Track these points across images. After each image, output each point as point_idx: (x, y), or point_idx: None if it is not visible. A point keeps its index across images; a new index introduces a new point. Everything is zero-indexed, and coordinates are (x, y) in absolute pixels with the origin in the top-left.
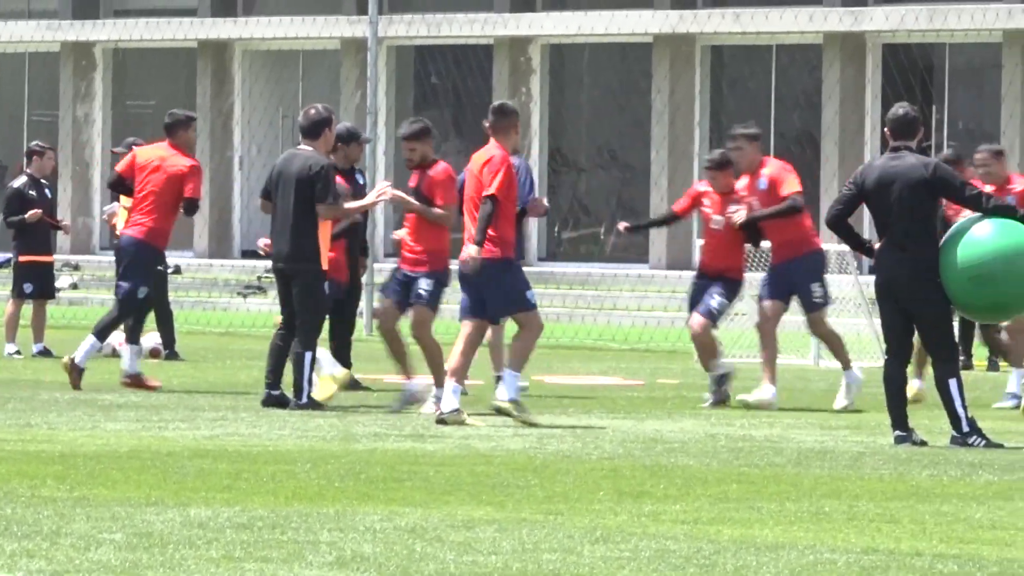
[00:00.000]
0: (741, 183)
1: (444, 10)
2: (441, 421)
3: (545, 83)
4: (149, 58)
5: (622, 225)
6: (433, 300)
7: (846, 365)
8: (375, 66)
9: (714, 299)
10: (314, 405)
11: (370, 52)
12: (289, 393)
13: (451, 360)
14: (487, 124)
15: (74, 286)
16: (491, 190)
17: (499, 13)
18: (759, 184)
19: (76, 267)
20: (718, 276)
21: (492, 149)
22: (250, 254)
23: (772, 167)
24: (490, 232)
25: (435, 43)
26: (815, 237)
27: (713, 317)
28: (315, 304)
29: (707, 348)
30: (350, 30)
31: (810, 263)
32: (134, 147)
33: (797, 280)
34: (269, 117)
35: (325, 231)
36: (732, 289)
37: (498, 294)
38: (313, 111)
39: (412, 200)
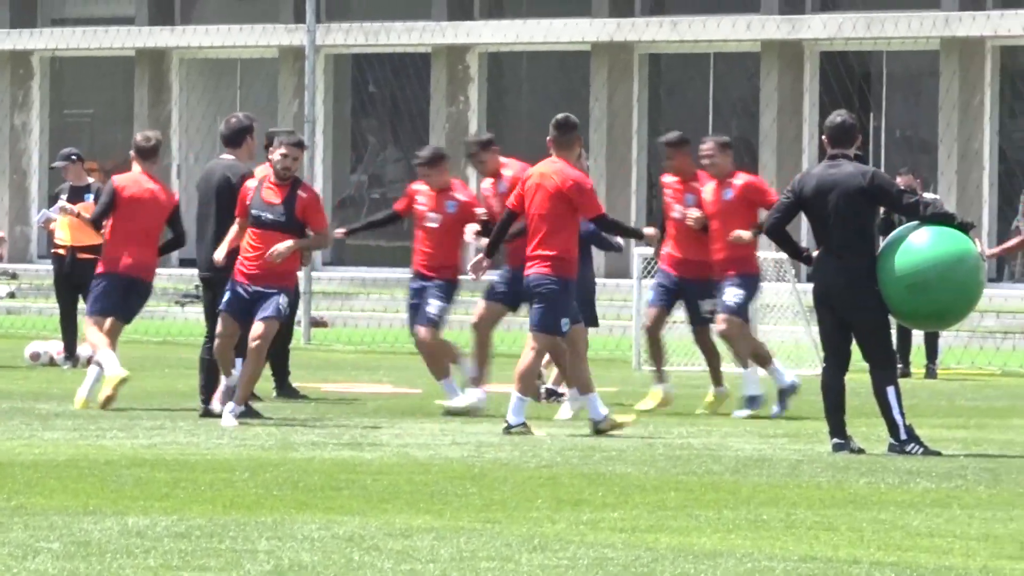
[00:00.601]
0: (708, 188)
1: (382, 18)
2: (599, 432)
3: (483, 91)
4: (87, 66)
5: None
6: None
7: (718, 382)
8: (313, 74)
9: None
10: (251, 413)
11: (308, 60)
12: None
13: (573, 371)
14: (549, 139)
15: (11, 295)
16: (600, 210)
17: (437, 21)
18: (725, 194)
19: (14, 276)
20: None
21: (566, 168)
22: (188, 263)
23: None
24: (558, 254)
25: (373, 51)
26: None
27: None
28: None
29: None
30: (288, 38)
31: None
32: (72, 161)
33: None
34: (207, 125)
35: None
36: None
37: (551, 313)
38: (234, 119)
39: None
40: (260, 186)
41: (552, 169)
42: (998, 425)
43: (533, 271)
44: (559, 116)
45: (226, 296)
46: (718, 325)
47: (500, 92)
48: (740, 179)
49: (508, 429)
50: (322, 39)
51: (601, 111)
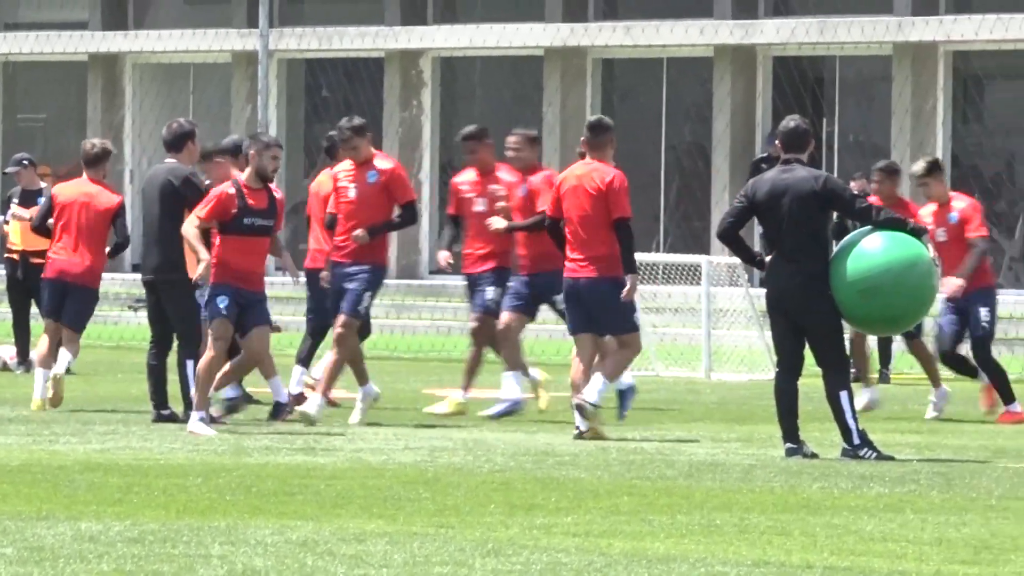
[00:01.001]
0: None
1: (335, 23)
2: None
3: (436, 96)
4: (40, 71)
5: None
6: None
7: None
8: (266, 79)
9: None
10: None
11: (261, 65)
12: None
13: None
14: (583, 140)
15: None
16: (626, 213)
17: (390, 26)
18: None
19: None
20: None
21: (605, 167)
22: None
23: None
24: (607, 253)
25: (326, 56)
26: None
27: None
28: (188, 312)
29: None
30: (241, 43)
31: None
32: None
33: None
34: (160, 130)
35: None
36: None
37: (613, 313)
38: (176, 125)
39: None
40: (241, 194)
41: (589, 169)
42: (951, 430)
43: (584, 275)
44: (592, 119)
45: (223, 303)
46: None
47: (453, 97)
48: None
49: (580, 435)
50: (275, 44)
51: (554, 116)
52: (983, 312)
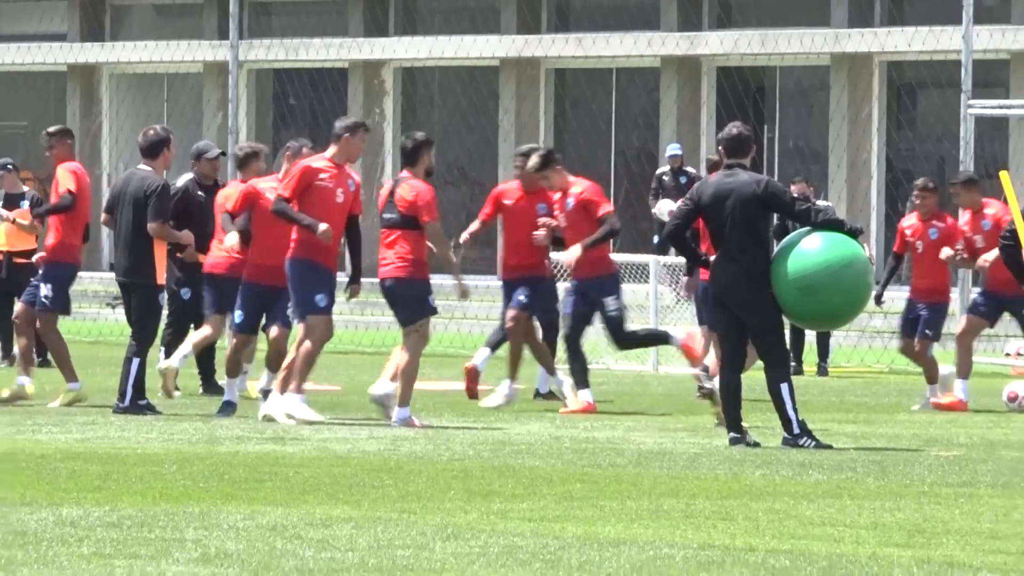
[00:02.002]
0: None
1: (301, 35)
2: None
3: (398, 104)
4: (20, 81)
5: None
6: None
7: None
8: (236, 88)
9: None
10: (137, 409)
11: (231, 75)
12: (153, 400)
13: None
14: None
15: None
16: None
17: (353, 38)
18: (568, 203)
19: None
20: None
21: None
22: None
23: (582, 187)
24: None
25: (293, 66)
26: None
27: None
28: (149, 314)
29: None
30: (212, 54)
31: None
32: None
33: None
34: (135, 137)
35: (161, 247)
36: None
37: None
38: (152, 132)
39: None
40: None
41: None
42: (886, 420)
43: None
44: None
45: (324, 301)
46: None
47: (414, 105)
48: (578, 187)
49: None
50: (244, 55)
51: (509, 123)
52: None
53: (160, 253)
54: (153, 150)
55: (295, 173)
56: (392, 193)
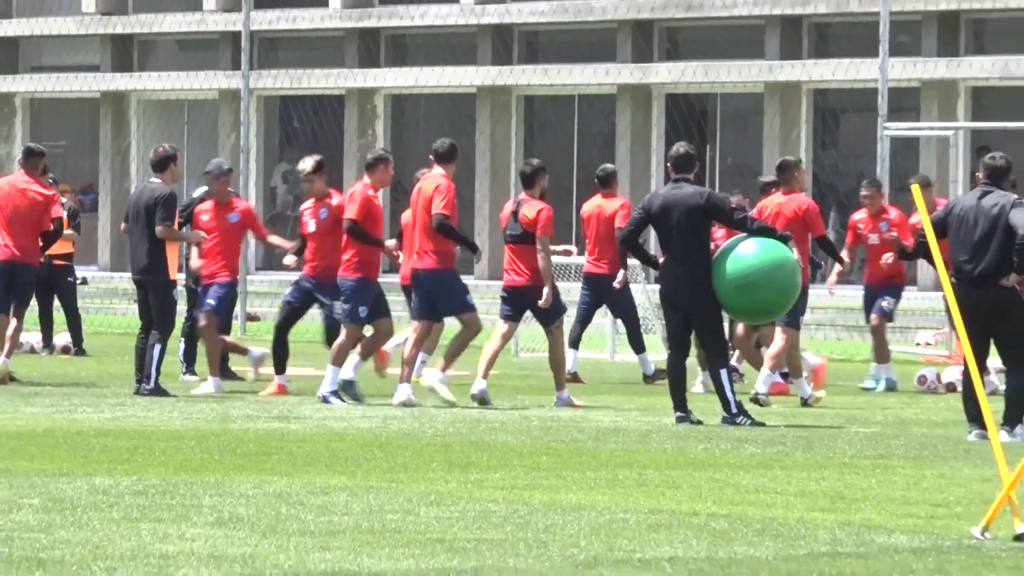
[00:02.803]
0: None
1: (303, 66)
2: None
3: (388, 126)
4: (60, 106)
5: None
6: None
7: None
8: (247, 112)
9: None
10: (159, 391)
11: (243, 101)
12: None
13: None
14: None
15: None
16: (823, 231)
17: (349, 69)
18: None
19: None
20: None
21: (801, 198)
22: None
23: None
24: None
25: (296, 93)
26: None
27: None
28: (166, 306)
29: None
30: (226, 83)
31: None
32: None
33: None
34: None
35: (173, 248)
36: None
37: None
38: (161, 149)
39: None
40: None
41: (788, 199)
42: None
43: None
44: (994, 160)
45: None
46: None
47: (402, 127)
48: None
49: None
50: (254, 83)
51: (485, 143)
52: None
53: (171, 253)
54: (161, 165)
55: (363, 198)
56: (515, 212)
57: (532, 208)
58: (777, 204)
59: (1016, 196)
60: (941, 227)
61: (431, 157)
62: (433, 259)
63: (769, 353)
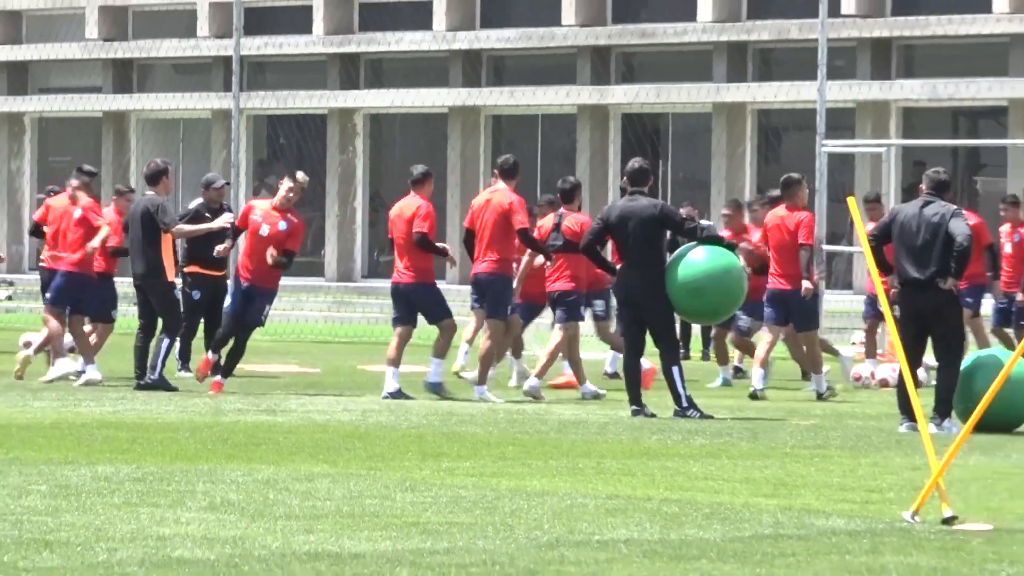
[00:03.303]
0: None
1: (289, 88)
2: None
3: (367, 143)
4: (65, 124)
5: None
6: None
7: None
8: (237, 130)
9: None
10: (162, 383)
11: (234, 120)
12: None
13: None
14: (780, 193)
15: (9, 298)
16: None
17: (331, 90)
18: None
19: (11, 283)
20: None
21: (800, 213)
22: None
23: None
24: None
25: (283, 113)
26: None
27: None
28: (170, 305)
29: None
30: (218, 103)
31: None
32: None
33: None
34: None
35: (168, 252)
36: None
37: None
38: (153, 164)
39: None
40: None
41: (787, 213)
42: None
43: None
44: (938, 174)
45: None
46: None
47: (379, 144)
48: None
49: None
50: (244, 104)
51: (456, 159)
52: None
53: (167, 257)
54: (155, 178)
55: (432, 214)
56: (558, 225)
57: (575, 221)
58: (779, 217)
59: (956, 207)
60: (886, 233)
61: (495, 172)
62: (494, 265)
63: (795, 357)
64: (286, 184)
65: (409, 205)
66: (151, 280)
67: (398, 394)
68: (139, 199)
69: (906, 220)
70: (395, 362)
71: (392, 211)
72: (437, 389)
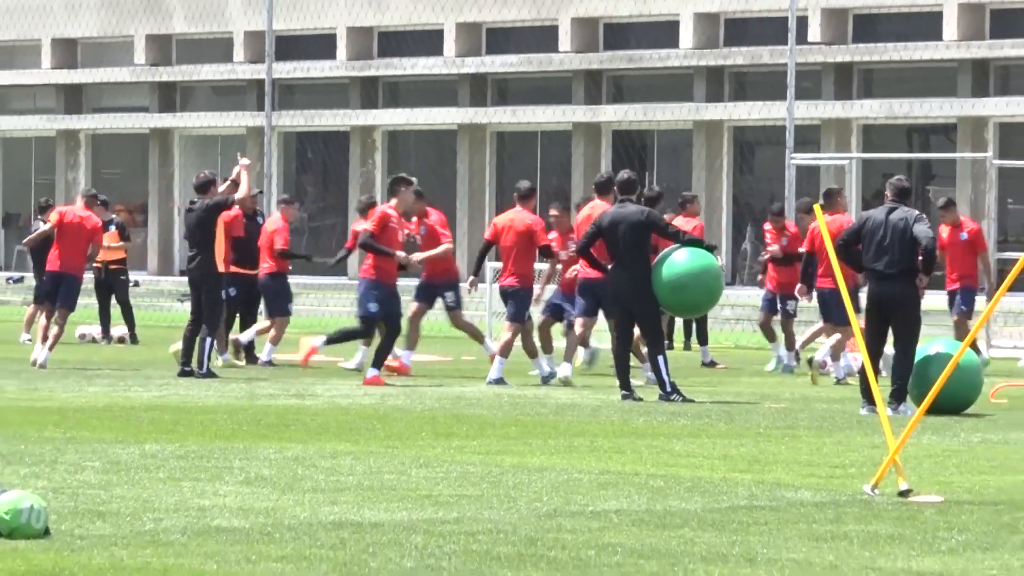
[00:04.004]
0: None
1: (316, 107)
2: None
3: (384, 157)
4: (116, 140)
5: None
6: None
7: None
8: (269, 145)
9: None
10: (210, 374)
11: (266, 136)
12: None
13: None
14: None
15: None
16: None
17: (353, 109)
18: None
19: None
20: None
21: (842, 218)
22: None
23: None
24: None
25: (310, 130)
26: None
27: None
28: (215, 303)
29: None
30: (252, 121)
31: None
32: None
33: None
34: None
35: (219, 253)
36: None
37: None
38: (202, 175)
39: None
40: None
41: (830, 219)
42: (732, 381)
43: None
44: (900, 181)
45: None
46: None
47: (396, 158)
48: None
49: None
50: (275, 122)
51: (464, 171)
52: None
53: (219, 257)
54: (203, 188)
55: (543, 224)
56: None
57: (685, 225)
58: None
59: (918, 212)
60: (857, 236)
61: (593, 187)
62: (517, 280)
63: (829, 344)
64: (406, 194)
65: (522, 218)
66: (204, 279)
67: (550, 377)
68: (192, 203)
69: (874, 225)
70: (538, 351)
71: (500, 220)
72: (548, 380)
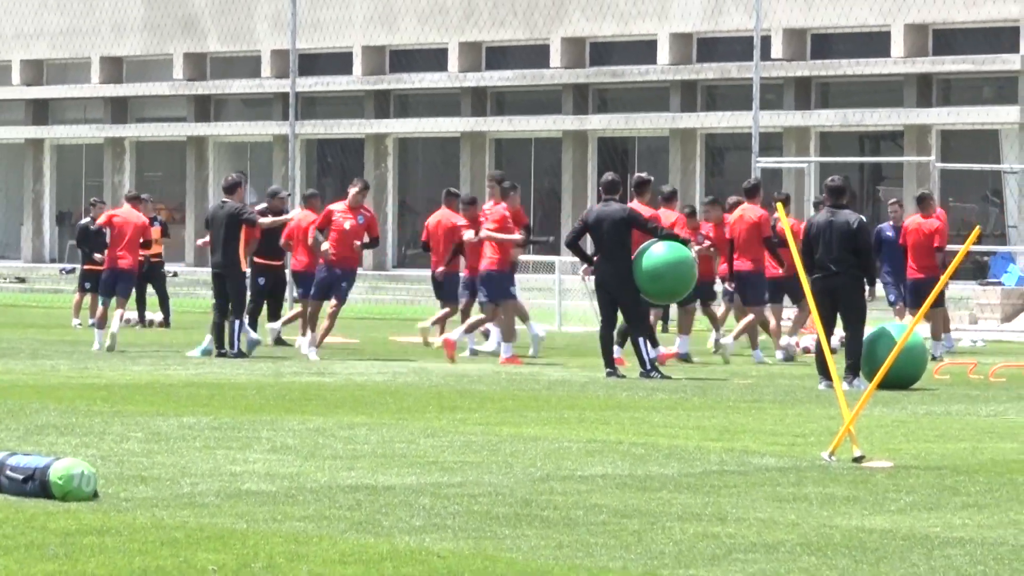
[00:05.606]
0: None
1: (334, 117)
2: None
3: (396, 162)
4: (157, 146)
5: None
6: None
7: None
8: (293, 151)
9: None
10: (241, 354)
11: (290, 143)
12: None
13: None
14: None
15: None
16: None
17: (367, 119)
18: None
19: (175, 273)
20: None
21: (851, 214)
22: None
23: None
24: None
25: (330, 137)
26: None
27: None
28: (240, 291)
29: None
30: (278, 129)
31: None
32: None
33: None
34: None
35: (243, 247)
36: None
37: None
38: (231, 177)
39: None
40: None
41: (924, 220)
42: (705, 361)
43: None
44: (833, 182)
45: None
46: None
47: (406, 162)
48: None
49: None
50: (299, 130)
51: (466, 174)
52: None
53: (242, 251)
54: (231, 189)
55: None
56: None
57: (666, 216)
58: (918, 223)
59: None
60: (808, 238)
61: (632, 187)
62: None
63: (740, 327)
64: (354, 188)
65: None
66: (229, 270)
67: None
68: (218, 204)
69: (818, 229)
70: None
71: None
72: (686, 359)
